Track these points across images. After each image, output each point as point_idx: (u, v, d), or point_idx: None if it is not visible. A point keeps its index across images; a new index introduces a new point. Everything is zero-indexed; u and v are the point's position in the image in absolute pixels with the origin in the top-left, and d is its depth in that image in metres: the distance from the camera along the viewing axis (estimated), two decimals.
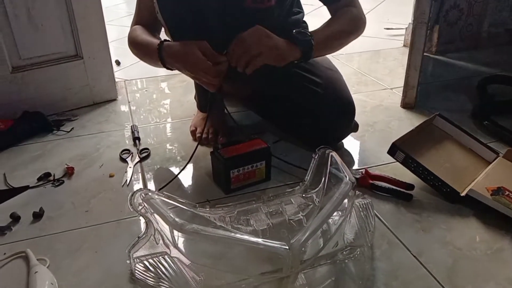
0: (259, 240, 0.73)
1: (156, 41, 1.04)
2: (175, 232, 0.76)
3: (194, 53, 0.96)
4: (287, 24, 1.20)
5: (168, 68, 1.05)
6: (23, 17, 1.33)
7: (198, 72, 0.98)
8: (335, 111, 1.14)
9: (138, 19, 1.18)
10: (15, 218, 0.97)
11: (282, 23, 1.16)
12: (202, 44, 0.97)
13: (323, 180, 0.86)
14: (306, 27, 1.31)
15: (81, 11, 1.41)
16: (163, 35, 1.16)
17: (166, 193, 0.85)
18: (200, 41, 0.97)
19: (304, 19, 1.30)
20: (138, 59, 1.16)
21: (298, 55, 1.04)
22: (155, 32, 1.16)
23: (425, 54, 1.44)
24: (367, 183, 1.06)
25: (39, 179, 1.12)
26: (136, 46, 1.13)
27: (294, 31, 1.04)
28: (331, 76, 1.19)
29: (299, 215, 0.85)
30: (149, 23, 1.14)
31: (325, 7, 1.19)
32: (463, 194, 0.99)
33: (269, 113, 1.35)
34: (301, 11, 1.29)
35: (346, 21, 1.14)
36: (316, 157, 0.95)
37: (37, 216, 0.98)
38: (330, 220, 0.85)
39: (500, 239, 0.91)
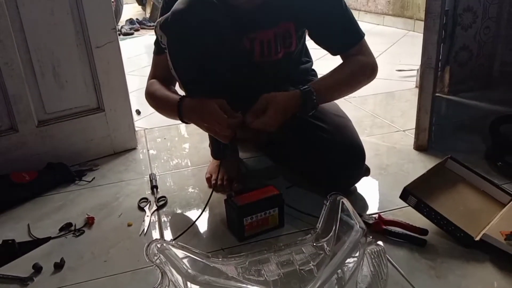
0: None
1: (176, 97, 1.12)
2: (189, 284, 0.77)
3: (212, 106, 1.03)
4: (296, 74, 1.25)
5: (184, 122, 1.11)
6: (49, 74, 1.42)
7: (212, 123, 1.04)
8: (343, 157, 1.17)
9: (155, 73, 1.26)
10: (37, 269, 1.01)
11: (291, 74, 1.21)
12: (219, 101, 1.04)
13: (333, 228, 0.87)
14: (315, 75, 1.36)
15: (103, 67, 1.50)
16: (177, 87, 1.23)
17: (180, 243, 0.88)
18: (218, 99, 1.05)
19: (313, 67, 1.35)
20: None
21: (299, 102, 1.10)
22: (170, 85, 1.22)
23: (437, 94, 1.47)
24: (380, 228, 1.06)
25: (61, 229, 1.17)
26: (155, 100, 1.20)
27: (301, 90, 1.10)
28: (339, 122, 1.22)
29: (310, 264, 0.85)
30: (165, 77, 1.21)
31: None
32: (477, 238, 0.99)
33: (281, 159, 1.39)
34: (309, 60, 1.35)
35: (352, 68, 1.18)
36: (327, 204, 0.97)
37: (58, 266, 1.02)
38: (344, 267, 0.86)
39: None
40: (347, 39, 1.19)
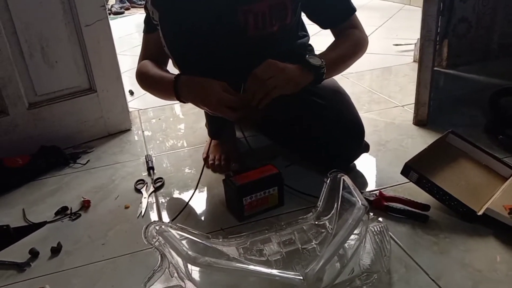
0: (273, 271, 0.73)
1: (171, 76, 1.07)
2: (189, 265, 0.76)
3: (217, 90, 1.00)
4: (292, 48, 1.21)
5: (181, 101, 1.08)
6: (38, 55, 1.38)
7: (221, 109, 1.01)
8: (342, 134, 1.14)
9: (146, 54, 1.21)
10: (34, 254, 0.99)
11: (287, 48, 1.18)
12: (222, 84, 1.00)
13: (335, 206, 0.85)
14: (312, 50, 1.33)
15: (93, 46, 1.45)
16: (170, 67, 1.19)
17: (179, 224, 0.86)
18: (220, 82, 1.01)
19: (310, 42, 1.32)
20: None
21: (311, 79, 1.06)
22: (162, 65, 1.18)
23: (436, 68, 1.43)
24: (381, 205, 1.05)
25: (57, 213, 1.14)
26: (147, 80, 1.16)
27: (307, 56, 1.05)
28: (338, 98, 1.20)
29: (312, 243, 0.84)
30: (157, 57, 1.17)
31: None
32: (480, 213, 0.98)
33: (280, 137, 1.36)
34: (306, 35, 1.31)
35: (351, 43, 1.17)
36: (328, 182, 0.95)
37: (55, 251, 1.00)
38: (346, 245, 0.84)
39: None
40: (340, 13, 1.18)
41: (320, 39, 1.39)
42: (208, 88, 1.01)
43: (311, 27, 1.29)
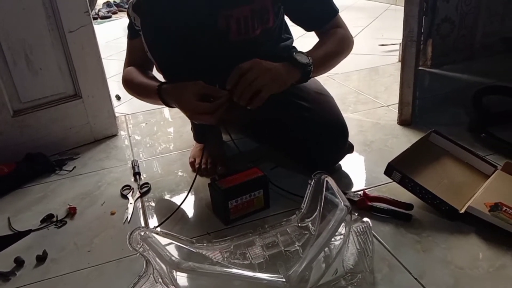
0: (256, 274, 0.74)
1: (154, 84, 1.08)
2: (173, 271, 0.76)
3: (188, 97, 0.98)
4: (276, 51, 1.22)
5: (171, 107, 1.08)
6: (22, 62, 1.37)
7: (196, 117, 1.01)
8: (326, 135, 1.15)
9: (131, 59, 1.22)
10: (19, 263, 0.99)
11: (271, 51, 1.18)
12: (196, 86, 0.99)
13: (318, 208, 0.86)
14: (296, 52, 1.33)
15: (78, 52, 1.45)
16: (155, 71, 1.19)
17: (163, 230, 0.86)
18: (194, 83, 0.99)
19: (293, 44, 1.32)
20: None
21: (298, 77, 1.06)
22: (148, 71, 1.19)
23: (420, 68, 1.45)
24: (366, 205, 1.06)
25: (43, 221, 1.14)
26: (133, 88, 1.17)
27: (294, 53, 1.06)
28: (321, 100, 1.21)
29: (295, 245, 0.85)
30: (142, 62, 1.18)
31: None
32: (462, 211, 0.99)
33: (266, 139, 1.37)
34: (290, 37, 1.32)
35: (336, 42, 1.16)
36: (312, 183, 0.96)
37: (41, 259, 1.00)
38: (331, 245, 0.85)
39: (502, 255, 0.90)
40: (323, 14, 1.18)
41: (305, 41, 1.40)
42: (182, 96, 1.00)
43: (295, 29, 1.30)
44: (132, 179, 1.31)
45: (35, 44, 1.37)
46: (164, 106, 1.11)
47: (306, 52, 1.11)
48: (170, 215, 1.10)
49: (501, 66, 1.98)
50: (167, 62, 1.08)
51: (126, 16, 1.15)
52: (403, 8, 1.38)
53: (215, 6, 1.07)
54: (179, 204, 1.14)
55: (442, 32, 2.00)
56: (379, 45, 2.50)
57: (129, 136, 1.62)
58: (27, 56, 1.37)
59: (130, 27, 1.15)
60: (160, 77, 1.16)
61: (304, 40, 1.51)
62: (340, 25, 1.20)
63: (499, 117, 1.44)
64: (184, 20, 1.01)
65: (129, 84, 1.19)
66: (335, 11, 1.19)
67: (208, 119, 0.99)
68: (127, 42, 1.22)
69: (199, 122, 1.03)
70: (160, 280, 0.79)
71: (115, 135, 1.62)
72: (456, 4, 1.96)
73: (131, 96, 1.24)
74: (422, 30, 1.80)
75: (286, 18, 1.25)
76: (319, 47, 1.15)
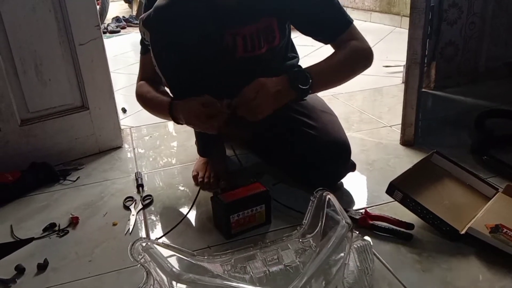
0: None
1: (166, 100, 1.12)
2: (174, 283, 0.76)
3: (193, 104, 1.03)
4: (282, 69, 1.24)
5: (178, 123, 1.11)
6: (32, 73, 1.40)
7: (197, 123, 1.05)
8: (329, 153, 1.16)
9: (143, 74, 1.25)
10: (20, 271, 0.99)
11: (276, 69, 1.20)
12: (202, 98, 1.04)
13: (319, 224, 0.87)
14: None
15: (87, 64, 1.47)
16: None
17: (165, 242, 0.87)
18: (200, 97, 1.04)
19: (299, 63, 1.35)
20: None
21: (293, 96, 1.08)
22: (160, 85, 1.22)
23: (423, 90, 1.46)
24: (367, 223, 1.06)
25: (45, 229, 1.15)
26: (146, 102, 1.21)
27: (293, 74, 1.08)
28: (325, 118, 1.22)
29: (296, 261, 0.85)
30: (154, 77, 1.20)
31: (325, 47, 1.23)
32: (462, 232, 0.99)
33: (268, 156, 1.38)
34: (296, 56, 1.34)
35: (347, 54, 1.15)
36: (314, 200, 0.96)
37: (42, 267, 1.00)
38: (331, 262, 0.85)
39: (503, 277, 0.90)
40: (334, 27, 1.16)
41: (311, 60, 1.42)
42: (189, 103, 1.05)
43: (302, 49, 1.32)
44: (135, 191, 1.32)
45: (45, 55, 1.40)
46: (164, 120, 1.14)
47: (310, 66, 1.12)
48: (173, 227, 1.10)
49: (505, 90, 2.00)
50: (174, 77, 1.11)
51: (134, 31, 1.19)
52: (407, 30, 1.41)
53: (222, 25, 1.10)
54: (180, 217, 1.15)
55: (446, 55, 2.03)
56: (384, 66, 2.52)
57: (134, 148, 1.63)
58: (37, 67, 1.40)
59: (142, 42, 1.18)
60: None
61: (309, 60, 1.54)
62: (356, 37, 1.17)
63: (501, 140, 1.45)
64: (191, 37, 1.03)
65: (142, 99, 1.23)
66: (348, 22, 1.16)
67: (211, 126, 1.03)
68: (140, 57, 1.25)
69: (203, 130, 1.05)
70: None
71: (119, 147, 1.64)
72: (460, 28, 1.99)
73: (137, 109, 1.27)
74: (426, 53, 1.82)
75: (293, 36, 1.27)
76: (328, 60, 1.15)
